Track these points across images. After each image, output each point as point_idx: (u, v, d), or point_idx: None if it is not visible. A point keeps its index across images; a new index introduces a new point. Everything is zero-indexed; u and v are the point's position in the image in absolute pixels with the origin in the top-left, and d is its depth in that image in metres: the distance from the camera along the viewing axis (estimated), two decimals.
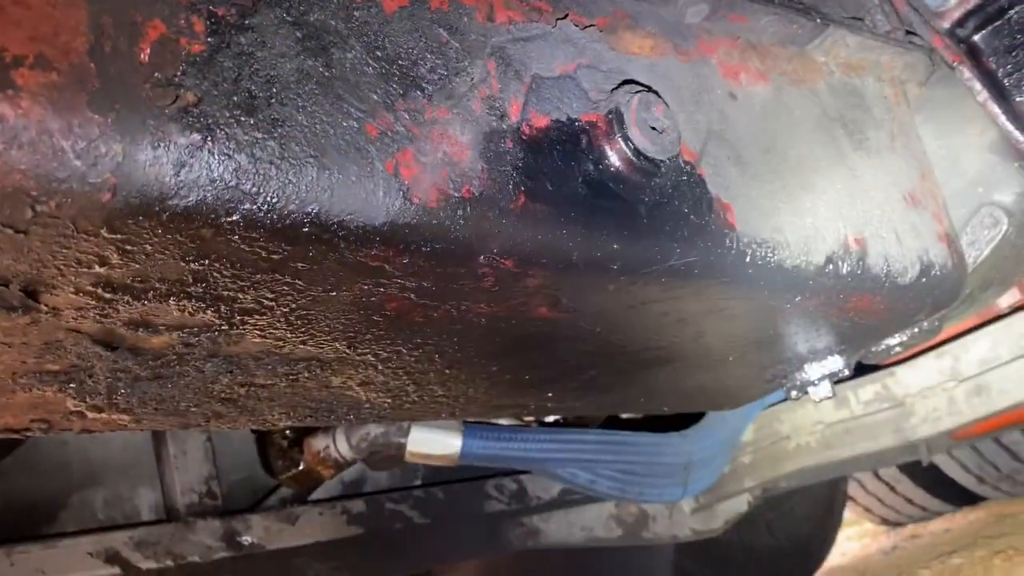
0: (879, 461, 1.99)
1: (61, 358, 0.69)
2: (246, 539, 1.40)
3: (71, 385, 0.73)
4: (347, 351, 0.79)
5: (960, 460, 4.17)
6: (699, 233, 0.83)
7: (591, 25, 0.80)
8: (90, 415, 0.80)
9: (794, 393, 1.23)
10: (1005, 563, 2.31)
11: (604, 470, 1.39)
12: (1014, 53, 1.21)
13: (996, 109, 1.21)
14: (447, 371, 0.90)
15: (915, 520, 4.66)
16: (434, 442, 1.28)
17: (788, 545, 3.27)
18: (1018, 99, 1.22)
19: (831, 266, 0.94)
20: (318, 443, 1.28)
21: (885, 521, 4.73)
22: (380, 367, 0.84)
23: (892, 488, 4.43)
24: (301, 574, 1.47)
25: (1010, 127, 1.21)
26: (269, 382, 0.82)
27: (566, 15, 0.78)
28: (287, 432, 1.31)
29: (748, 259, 0.87)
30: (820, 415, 1.76)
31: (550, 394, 1.08)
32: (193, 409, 0.84)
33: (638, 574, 2.28)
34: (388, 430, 1.27)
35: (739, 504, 2.10)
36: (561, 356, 0.96)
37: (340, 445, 1.27)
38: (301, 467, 1.29)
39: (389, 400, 0.96)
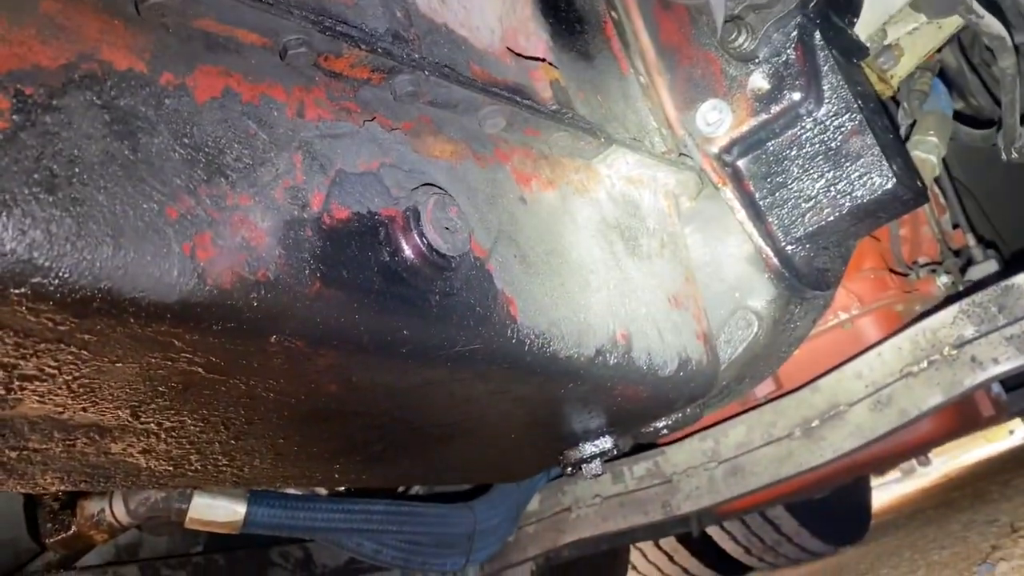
0: (652, 533, 2.14)
1: None
2: None
3: None
4: (130, 419, 0.79)
5: (731, 532, 4.50)
6: (484, 323, 0.91)
7: (397, 128, 0.87)
8: None
9: (569, 469, 1.32)
10: None
11: (389, 540, 1.42)
12: (769, 180, 1.41)
13: (752, 227, 1.40)
14: (232, 442, 0.92)
15: None
16: (217, 509, 1.26)
17: None
18: (770, 219, 1.41)
19: (600, 358, 1.05)
20: (92, 506, 1.22)
21: None
22: (163, 436, 0.85)
23: (670, 558, 4.70)
24: None
25: (762, 243, 1.39)
26: (44, 447, 0.81)
27: (373, 117, 0.85)
28: (59, 493, 1.25)
29: (527, 348, 0.95)
30: (599, 488, 1.88)
31: (337, 466, 1.11)
32: None
33: None
34: (169, 495, 1.24)
35: (523, 573, 2.18)
36: (349, 430, 1.00)
37: (116, 509, 1.23)
38: (72, 531, 1.23)
39: (170, 468, 0.96)
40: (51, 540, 1.25)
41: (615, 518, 1.87)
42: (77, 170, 0.59)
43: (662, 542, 4.66)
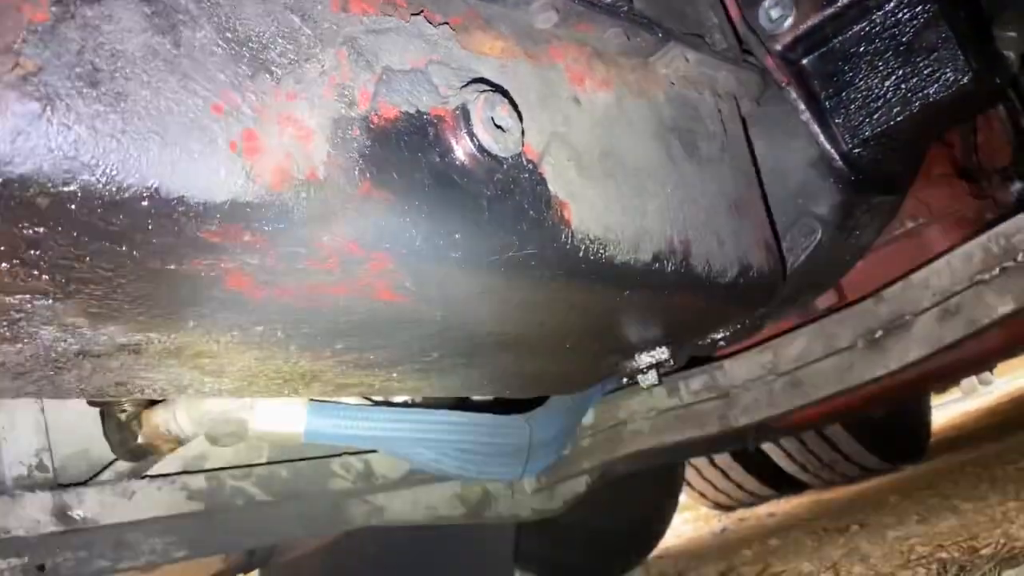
0: (707, 447, 2.13)
1: None
2: (78, 513, 1.36)
3: None
4: (188, 326, 0.79)
5: (786, 450, 4.50)
6: (537, 228, 0.89)
7: (444, 23, 0.84)
8: None
9: (625, 380, 1.31)
10: (815, 542, 2.53)
11: (448, 449, 1.44)
12: (835, 79, 1.34)
13: (816, 129, 1.34)
14: (290, 349, 0.92)
15: (744, 505, 4.99)
16: (278, 419, 1.28)
17: (626, 526, 3.45)
18: (836, 121, 1.35)
19: (657, 264, 1.02)
20: (157, 417, 1.26)
21: (718, 506, 5.05)
22: (222, 343, 0.85)
23: (725, 475, 4.73)
24: (136, 549, 1.45)
25: (828, 146, 1.34)
26: (105, 352, 0.82)
27: (420, 11, 0.82)
28: (125, 405, 1.28)
29: (582, 254, 0.93)
30: (654, 402, 1.87)
31: (395, 375, 1.11)
32: (25, 376, 0.82)
33: (479, 553, 2.35)
34: (231, 406, 1.27)
35: (578, 485, 2.20)
36: (405, 338, 1.00)
37: (181, 420, 1.25)
38: (139, 441, 1.27)
39: (231, 377, 0.96)
40: (119, 450, 1.28)
41: (671, 431, 1.86)
42: (120, 64, 0.58)
43: (717, 460, 4.69)
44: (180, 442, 1.29)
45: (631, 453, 1.95)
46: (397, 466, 1.83)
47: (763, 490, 4.85)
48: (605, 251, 0.95)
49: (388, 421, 1.36)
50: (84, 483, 1.42)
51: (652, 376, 1.28)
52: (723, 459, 4.72)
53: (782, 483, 4.79)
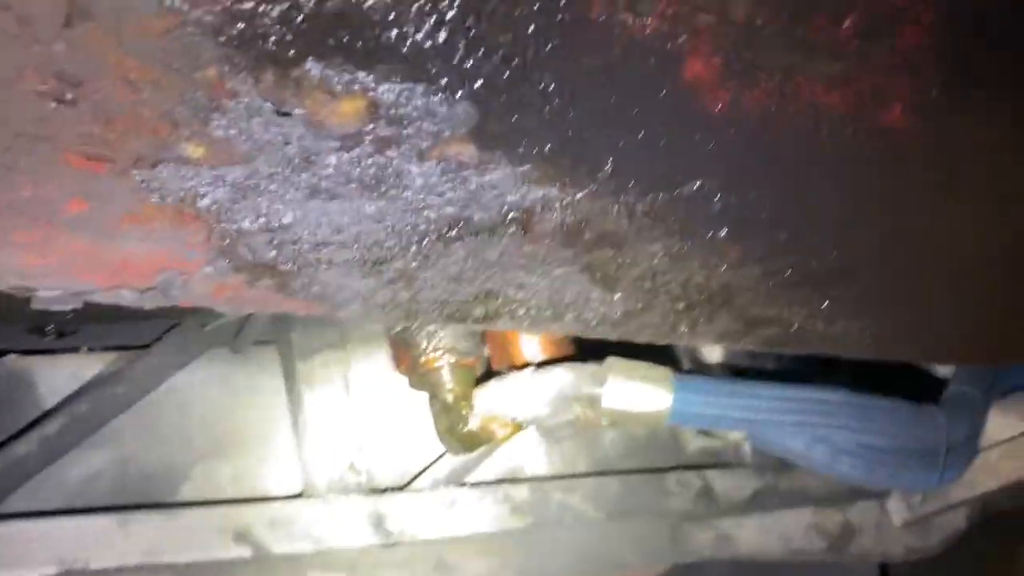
0: None
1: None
2: (395, 524, 1.15)
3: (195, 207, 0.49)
4: (603, 171, 0.53)
5: None
6: None
7: None
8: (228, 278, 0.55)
9: None
10: None
11: (847, 444, 1.07)
12: None
13: None
14: (718, 236, 0.63)
15: None
16: (638, 395, 0.99)
17: None
18: None
19: None
20: (490, 393, 1.01)
21: None
22: (636, 213, 0.58)
23: None
24: (457, 571, 1.22)
25: None
26: (489, 226, 0.57)
27: None
28: (452, 384, 1.06)
29: None
30: None
31: (825, 304, 0.79)
32: (378, 270, 0.59)
33: None
34: (579, 378, 1.00)
35: (957, 519, 1.73)
36: (873, 223, 0.68)
37: (517, 397, 1.01)
38: (470, 426, 1.03)
39: (624, 289, 0.69)
40: (447, 437, 1.06)
41: None
42: None
43: None
44: (517, 428, 1.04)
45: None
46: (741, 486, 1.49)
47: None
48: None
49: (775, 399, 1.03)
50: (400, 488, 1.22)
51: None
52: None
53: None
